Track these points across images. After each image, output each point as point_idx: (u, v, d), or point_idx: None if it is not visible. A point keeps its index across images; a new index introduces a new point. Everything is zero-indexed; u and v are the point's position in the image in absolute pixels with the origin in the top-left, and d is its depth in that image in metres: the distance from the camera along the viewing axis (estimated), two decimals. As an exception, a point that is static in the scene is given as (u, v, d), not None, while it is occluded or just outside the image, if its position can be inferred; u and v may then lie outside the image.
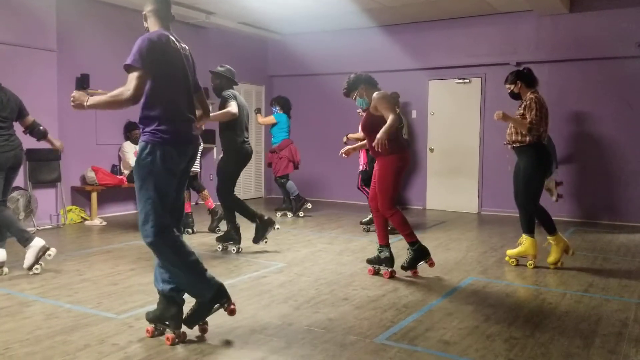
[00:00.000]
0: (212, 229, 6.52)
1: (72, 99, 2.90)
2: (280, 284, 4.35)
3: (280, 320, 3.50)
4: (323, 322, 3.47)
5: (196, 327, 3.17)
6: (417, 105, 9.06)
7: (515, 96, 4.99)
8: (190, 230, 6.39)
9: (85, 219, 7.19)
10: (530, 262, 4.97)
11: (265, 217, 5.49)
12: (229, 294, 3.12)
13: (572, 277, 4.70)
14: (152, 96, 2.92)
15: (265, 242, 5.60)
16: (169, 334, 3.06)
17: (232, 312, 3.11)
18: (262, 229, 5.48)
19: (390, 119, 4.19)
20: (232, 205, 5.52)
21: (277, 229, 5.79)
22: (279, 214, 7.85)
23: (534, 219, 5.00)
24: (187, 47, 3.20)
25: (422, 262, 4.60)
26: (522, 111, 4.85)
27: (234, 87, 5.50)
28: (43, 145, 6.64)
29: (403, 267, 4.60)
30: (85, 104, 2.87)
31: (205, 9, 8.14)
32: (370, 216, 6.47)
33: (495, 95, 8.29)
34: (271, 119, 7.86)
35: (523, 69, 5.04)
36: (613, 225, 7.52)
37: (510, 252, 5.13)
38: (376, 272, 4.66)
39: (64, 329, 3.24)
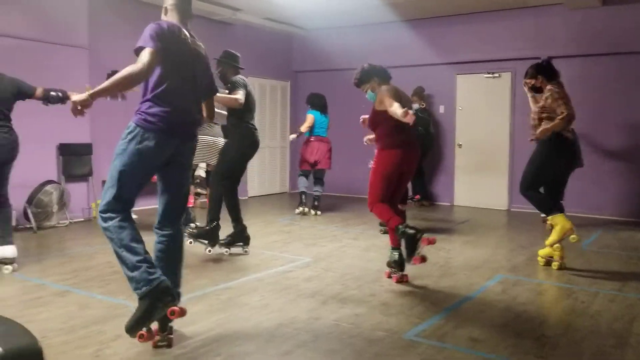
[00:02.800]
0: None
1: (74, 105, 2.71)
2: (306, 279, 4.37)
3: (307, 314, 3.51)
4: (350, 317, 3.47)
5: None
6: (445, 100, 8.96)
7: (537, 90, 4.88)
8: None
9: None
10: (573, 236, 4.66)
11: (246, 234, 5.17)
12: (174, 294, 2.89)
13: (605, 276, 4.60)
14: (154, 80, 2.87)
15: (227, 252, 5.14)
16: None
17: (172, 313, 2.85)
18: (237, 238, 5.16)
19: (393, 107, 3.88)
20: (219, 197, 5.07)
21: (246, 252, 5.19)
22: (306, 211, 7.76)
23: (546, 199, 4.81)
24: (203, 48, 3.14)
25: (419, 244, 3.96)
26: (542, 103, 4.74)
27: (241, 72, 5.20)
28: (76, 140, 6.84)
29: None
30: (88, 94, 2.72)
31: (232, 6, 8.19)
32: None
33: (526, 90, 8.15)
34: (310, 119, 7.60)
35: (542, 61, 4.92)
36: (647, 223, 7.33)
37: (548, 241, 4.78)
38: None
39: (97, 319, 3.31)
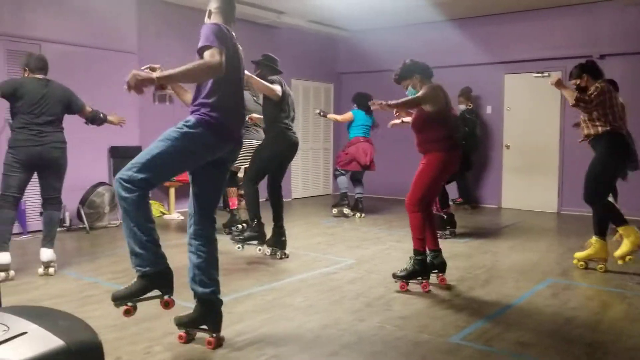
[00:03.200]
0: (225, 226, 6.21)
1: (133, 76, 2.57)
2: (350, 281, 4.37)
3: (351, 316, 3.51)
4: (395, 319, 3.46)
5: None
6: (493, 100, 8.78)
7: (583, 90, 4.76)
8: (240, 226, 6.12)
9: (164, 213, 7.52)
10: (600, 265, 4.66)
11: (283, 238, 5.15)
12: (173, 285, 2.91)
13: (662, 281, 4.41)
14: (212, 83, 2.88)
15: (260, 250, 5.20)
16: (210, 337, 3.00)
17: (166, 305, 2.88)
18: (273, 241, 5.17)
19: (418, 96, 4.03)
20: (251, 195, 5.11)
21: (286, 255, 5.16)
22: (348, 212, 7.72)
23: (607, 220, 4.70)
24: (241, 49, 3.17)
25: (419, 278, 4.10)
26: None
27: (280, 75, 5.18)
28: (124, 142, 7.06)
29: (394, 275, 4.15)
30: (155, 76, 2.63)
31: (276, 9, 8.28)
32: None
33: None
34: (349, 115, 7.66)
35: (586, 61, 4.82)
36: None
37: (578, 254, 4.83)
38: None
39: (148, 317, 3.39)
